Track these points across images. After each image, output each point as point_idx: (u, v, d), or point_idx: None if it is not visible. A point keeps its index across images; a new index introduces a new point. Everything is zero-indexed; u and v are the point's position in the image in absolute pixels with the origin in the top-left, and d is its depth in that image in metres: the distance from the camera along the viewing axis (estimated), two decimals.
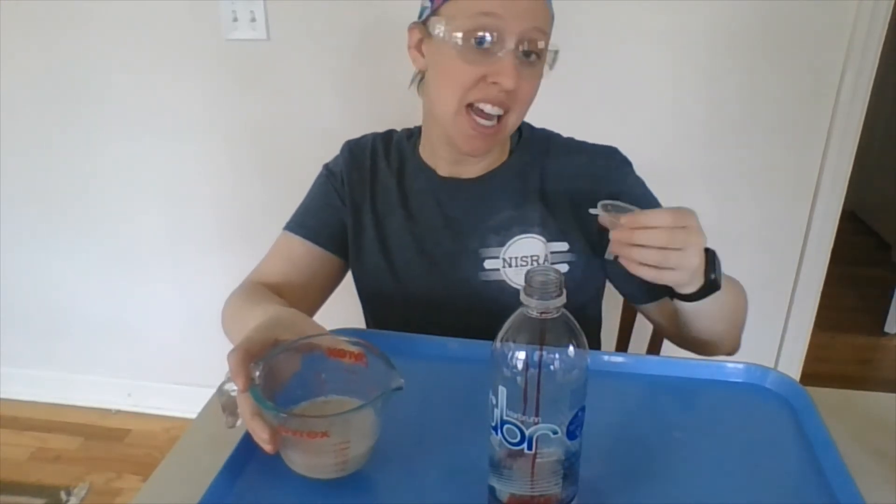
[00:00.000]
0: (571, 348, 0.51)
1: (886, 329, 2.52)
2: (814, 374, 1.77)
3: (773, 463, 0.66)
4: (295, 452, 0.61)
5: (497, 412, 0.53)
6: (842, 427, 0.69)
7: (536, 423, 0.52)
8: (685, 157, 1.54)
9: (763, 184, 1.55)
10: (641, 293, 0.92)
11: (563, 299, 0.51)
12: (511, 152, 0.93)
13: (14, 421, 2.05)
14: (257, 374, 0.59)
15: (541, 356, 0.51)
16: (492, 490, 0.58)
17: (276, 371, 0.62)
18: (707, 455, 0.67)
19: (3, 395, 2.14)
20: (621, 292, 0.97)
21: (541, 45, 0.79)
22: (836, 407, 0.73)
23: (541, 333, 0.51)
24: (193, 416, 0.76)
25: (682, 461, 0.66)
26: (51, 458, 1.91)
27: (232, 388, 0.60)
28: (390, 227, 0.94)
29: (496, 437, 0.55)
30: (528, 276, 0.51)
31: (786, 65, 1.43)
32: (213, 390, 0.79)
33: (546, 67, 0.83)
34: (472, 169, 0.92)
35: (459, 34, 0.77)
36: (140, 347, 2.04)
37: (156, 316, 1.98)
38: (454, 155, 0.90)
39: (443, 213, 0.93)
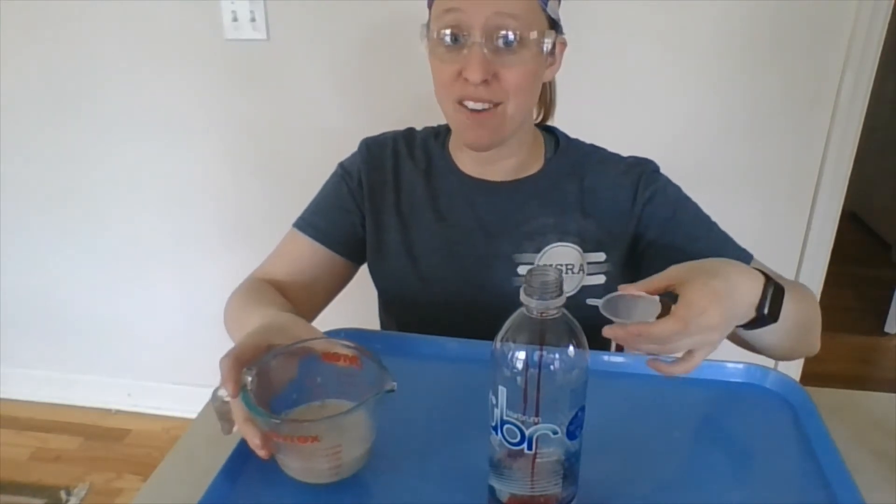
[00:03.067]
0: (571, 348, 0.51)
1: (886, 329, 2.52)
2: (814, 374, 1.77)
3: (773, 463, 0.66)
4: (289, 458, 0.61)
5: (497, 412, 0.53)
6: (842, 427, 0.69)
7: (536, 423, 0.52)
8: (685, 157, 1.53)
9: (763, 184, 1.55)
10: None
11: (563, 299, 0.51)
12: (547, 161, 0.92)
13: (14, 421, 2.05)
14: (249, 379, 0.59)
15: (541, 356, 0.51)
16: (492, 490, 0.58)
17: (271, 376, 0.62)
18: (707, 455, 0.67)
19: (3, 395, 2.14)
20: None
21: (517, 31, 0.76)
22: (836, 407, 0.73)
23: (541, 333, 0.51)
24: (193, 416, 0.76)
25: (682, 461, 0.66)
26: (51, 458, 1.91)
27: (225, 394, 0.60)
28: (417, 229, 0.93)
29: (496, 437, 0.54)
30: (528, 277, 0.51)
31: (786, 65, 1.43)
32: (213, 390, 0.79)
33: (542, 55, 0.81)
34: (501, 170, 0.91)
35: (437, 37, 0.79)
36: (140, 347, 2.04)
37: (156, 316, 1.98)
38: (477, 154, 0.89)
39: (476, 214, 0.91)
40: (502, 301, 0.89)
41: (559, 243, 0.88)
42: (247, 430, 0.59)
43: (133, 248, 1.89)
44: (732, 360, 0.78)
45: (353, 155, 0.97)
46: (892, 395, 0.78)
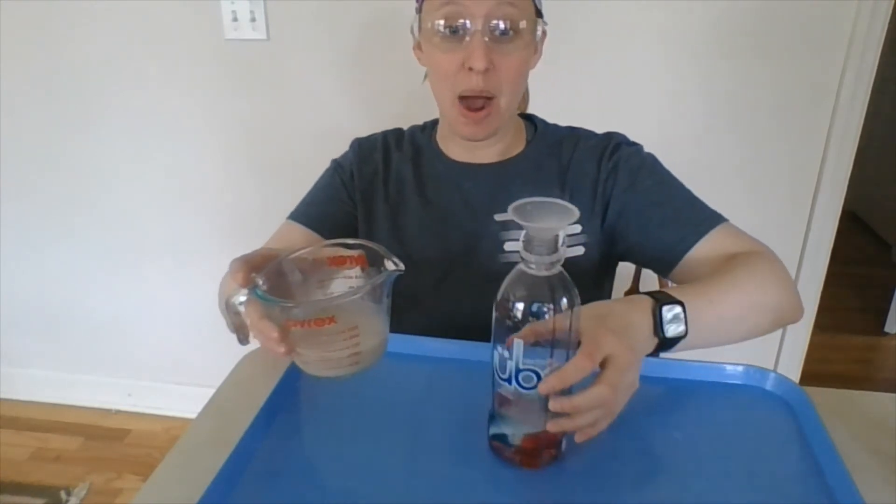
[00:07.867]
0: (566, 300, 0.56)
1: (886, 329, 2.52)
2: (814, 374, 1.77)
3: (772, 464, 0.66)
4: (307, 349, 0.61)
5: (511, 364, 0.58)
6: (842, 427, 0.69)
7: (552, 365, 0.57)
8: (684, 157, 1.53)
9: (763, 184, 1.55)
10: (669, 258, 0.87)
11: (560, 255, 0.55)
12: (528, 143, 0.97)
13: (14, 421, 2.05)
14: (260, 281, 0.59)
15: (553, 309, 0.56)
16: (501, 437, 0.61)
17: (283, 286, 0.62)
18: (707, 457, 0.67)
19: (3, 395, 2.14)
20: (650, 266, 0.95)
21: (513, 20, 0.81)
22: (836, 407, 0.73)
23: (550, 288, 0.56)
24: (193, 416, 0.76)
25: (681, 462, 0.66)
26: (51, 458, 1.91)
27: (238, 299, 0.59)
28: (405, 215, 0.96)
29: (510, 387, 0.58)
30: (527, 235, 0.55)
31: (786, 65, 1.43)
32: (213, 390, 0.80)
33: (533, 44, 0.85)
34: (487, 155, 0.95)
35: (432, 28, 0.83)
36: (140, 347, 2.04)
37: (156, 316, 1.98)
38: (466, 141, 0.93)
39: (462, 196, 0.95)
40: (489, 279, 0.90)
41: None
42: (263, 327, 0.59)
43: (133, 247, 1.89)
44: (731, 362, 0.78)
45: (346, 152, 1.02)
46: (892, 395, 0.78)
